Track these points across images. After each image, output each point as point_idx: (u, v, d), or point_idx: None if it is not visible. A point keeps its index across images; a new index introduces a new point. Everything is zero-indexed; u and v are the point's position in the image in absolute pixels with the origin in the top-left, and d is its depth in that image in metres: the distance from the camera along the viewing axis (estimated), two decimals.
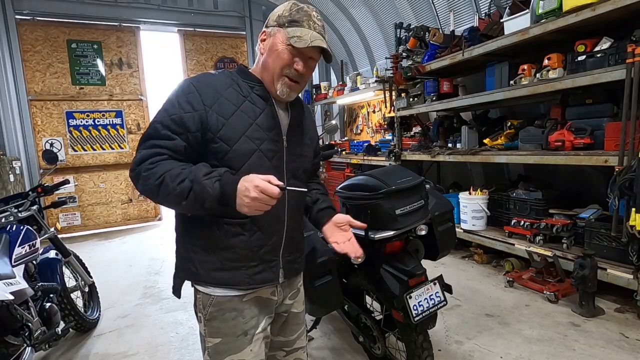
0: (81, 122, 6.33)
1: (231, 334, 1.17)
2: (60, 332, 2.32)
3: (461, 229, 3.95)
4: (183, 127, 1.06)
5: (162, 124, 1.07)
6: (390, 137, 5.18)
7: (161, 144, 1.05)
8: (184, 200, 1.01)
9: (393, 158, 4.78)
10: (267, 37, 1.18)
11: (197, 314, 1.22)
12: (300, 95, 1.33)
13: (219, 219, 1.12)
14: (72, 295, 2.76)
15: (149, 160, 1.03)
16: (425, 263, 1.89)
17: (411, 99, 4.51)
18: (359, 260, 1.80)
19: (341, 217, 1.34)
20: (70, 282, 2.87)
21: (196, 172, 1.02)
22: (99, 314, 3.11)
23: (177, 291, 1.23)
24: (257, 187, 0.96)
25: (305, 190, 1.18)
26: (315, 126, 1.47)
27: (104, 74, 6.41)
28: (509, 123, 3.78)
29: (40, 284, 2.35)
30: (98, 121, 6.44)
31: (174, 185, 1.00)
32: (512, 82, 3.33)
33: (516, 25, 3.12)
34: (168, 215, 7.41)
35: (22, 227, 2.33)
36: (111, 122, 6.54)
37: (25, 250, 2.26)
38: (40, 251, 2.52)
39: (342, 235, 1.31)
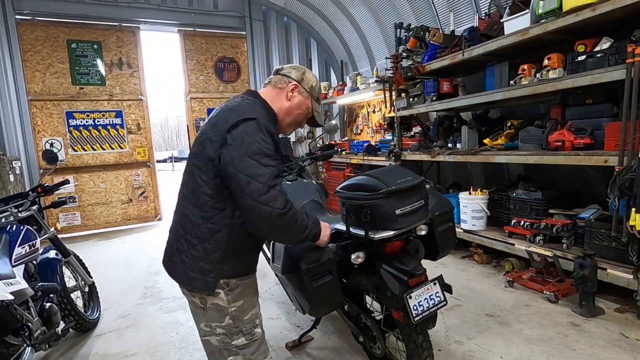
0: (81, 122, 6.33)
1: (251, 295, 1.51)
2: (60, 332, 2.32)
3: (461, 229, 3.95)
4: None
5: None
6: (390, 137, 5.18)
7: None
8: (308, 231, 1.43)
9: (393, 158, 4.78)
10: (300, 93, 1.56)
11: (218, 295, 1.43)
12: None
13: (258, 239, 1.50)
14: (72, 295, 2.76)
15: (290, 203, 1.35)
16: (425, 263, 1.89)
17: (411, 99, 4.51)
18: (359, 260, 1.80)
19: None
20: (70, 282, 2.87)
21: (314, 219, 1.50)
22: (99, 314, 3.11)
23: (213, 289, 1.41)
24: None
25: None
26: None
27: (104, 74, 6.41)
28: (509, 123, 3.78)
29: (40, 284, 2.35)
30: (98, 121, 6.44)
31: (308, 226, 1.44)
32: (512, 82, 3.33)
33: (516, 25, 3.12)
34: (168, 215, 7.42)
35: (22, 227, 2.33)
36: (111, 122, 6.54)
37: (25, 250, 2.26)
38: (40, 251, 2.52)
39: None
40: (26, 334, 2.07)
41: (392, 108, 4.79)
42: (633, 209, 2.40)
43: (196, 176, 1.40)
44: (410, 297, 1.65)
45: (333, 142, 6.90)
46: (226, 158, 1.30)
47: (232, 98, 1.54)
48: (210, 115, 1.52)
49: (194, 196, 1.41)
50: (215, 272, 1.39)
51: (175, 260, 1.45)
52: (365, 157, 5.54)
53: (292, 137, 7.56)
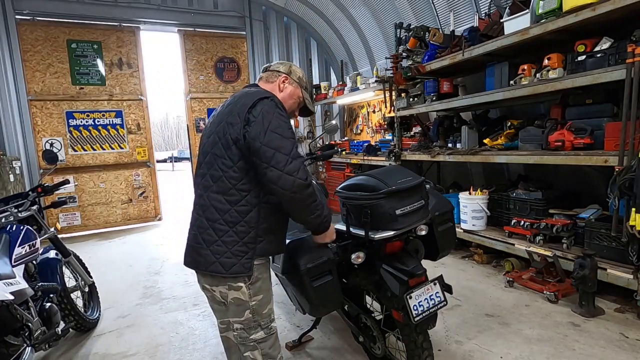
0: (81, 122, 6.33)
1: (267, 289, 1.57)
2: (60, 332, 2.32)
3: (461, 229, 3.95)
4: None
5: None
6: (390, 137, 5.18)
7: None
8: (324, 214, 1.52)
9: (393, 158, 4.78)
10: (290, 85, 1.68)
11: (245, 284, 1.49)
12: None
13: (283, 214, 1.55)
14: (72, 295, 2.76)
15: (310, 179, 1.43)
16: (425, 263, 1.89)
17: (411, 99, 4.51)
18: (359, 260, 1.80)
19: None
20: (70, 282, 2.87)
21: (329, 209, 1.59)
22: (99, 314, 3.11)
23: (250, 269, 1.47)
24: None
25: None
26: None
27: (104, 74, 6.41)
28: (509, 123, 3.78)
29: (40, 284, 2.35)
30: (98, 121, 6.44)
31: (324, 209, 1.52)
32: (512, 82, 3.33)
33: (516, 25, 3.12)
34: (168, 215, 7.42)
35: (22, 227, 2.33)
36: (111, 122, 6.54)
37: (25, 250, 2.26)
38: (40, 251, 2.52)
39: None
40: (26, 334, 2.07)
41: (392, 108, 4.79)
42: (633, 209, 2.40)
43: (219, 164, 1.45)
44: (410, 297, 1.65)
45: (333, 142, 6.90)
46: (251, 134, 1.37)
47: (235, 94, 1.60)
48: (216, 111, 1.60)
49: (217, 184, 1.45)
50: (250, 252, 1.46)
51: (205, 253, 1.47)
52: (365, 157, 5.54)
53: None
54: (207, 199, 1.48)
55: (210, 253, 1.46)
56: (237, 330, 1.50)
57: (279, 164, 1.35)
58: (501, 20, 3.33)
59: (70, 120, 6.25)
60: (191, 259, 1.54)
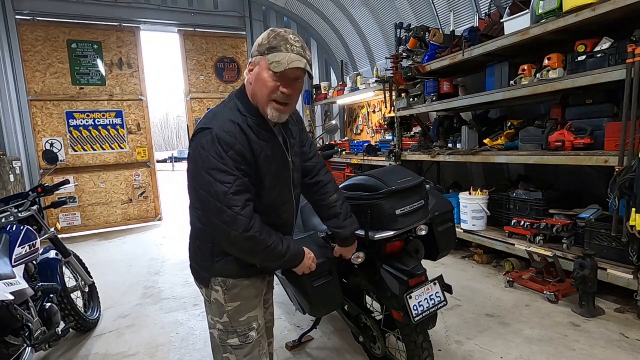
0: (81, 122, 6.33)
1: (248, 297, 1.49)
2: (60, 332, 2.33)
3: (461, 229, 3.95)
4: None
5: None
6: (390, 137, 5.18)
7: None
8: (283, 258, 1.37)
9: (393, 158, 4.78)
10: (253, 66, 1.30)
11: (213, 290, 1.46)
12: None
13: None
14: (72, 295, 2.76)
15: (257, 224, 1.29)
16: (425, 263, 1.89)
17: (411, 99, 4.51)
18: (359, 260, 1.80)
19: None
20: (70, 282, 2.87)
21: (291, 244, 1.41)
22: (99, 314, 3.11)
23: (207, 284, 1.47)
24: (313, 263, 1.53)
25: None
26: (303, 125, 1.64)
27: (104, 74, 6.41)
28: (509, 123, 3.78)
29: (40, 284, 2.35)
30: (98, 121, 6.44)
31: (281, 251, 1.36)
32: (512, 82, 3.33)
33: (516, 25, 3.12)
34: (168, 215, 7.42)
35: (22, 227, 2.33)
36: (111, 122, 6.54)
37: (25, 250, 2.26)
38: (40, 251, 2.52)
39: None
40: (26, 334, 2.08)
41: (392, 108, 4.79)
42: (633, 209, 2.40)
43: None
44: (410, 297, 1.65)
45: (333, 142, 6.90)
46: (189, 172, 1.31)
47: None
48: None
49: (190, 198, 1.44)
50: (207, 269, 1.44)
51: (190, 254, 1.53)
52: (365, 157, 5.54)
53: None
54: (190, 206, 1.47)
55: (190, 257, 1.53)
56: (218, 331, 1.49)
57: (212, 212, 1.25)
58: (501, 20, 3.33)
59: (70, 120, 6.24)
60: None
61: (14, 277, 2.02)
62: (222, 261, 1.41)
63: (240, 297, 1.46)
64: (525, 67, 3.19)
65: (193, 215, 1.45)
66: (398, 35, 4.75)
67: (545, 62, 3.00)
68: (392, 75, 4.61)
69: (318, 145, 4.23)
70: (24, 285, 2.06)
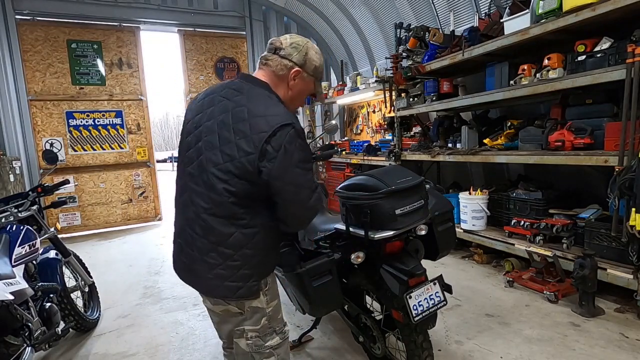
0: (81, 122, 6.33)
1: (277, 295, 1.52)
2: (60, 332, 2.33)
3: (461, 229, 3.95)
4: None
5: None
6: (390, 137, 5.18)
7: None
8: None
9: (393, 158, 4.78)
10: (301, 80, 1.43)
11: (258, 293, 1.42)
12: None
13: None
14: (72, 295, 2.76)
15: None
16: (425, 263, 1.89)
17: (411, 99, 4.51)
18: (359, 260, 1.80)
19: None
20: (70, 282, 2.87)
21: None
22: (99, 314, 3.11)
23: (258, 292, 1.40)
24: None
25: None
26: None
27: (104, 74, 6.41)
28: (509, 123, 3.78)
29: (40, 284, 2.35)
30: (98, 121, 6.44)
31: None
32: (512, 82, 3.33)
33: (516, 25, 3.11)
34: (168, 215, 7.42)
35: (22, 227, 2.33)
36: (111, 122, 6.54)
37: (25, 250, 2.26)
38: (40, 251, 2.52)
39: None
40: (26, 334, 2.07)
41: (392, 108, 4.79)
42: (633, 209, 2.40)
43: (219, 187, 1.28)
44: (410, 297, 1.65)
45: (333, 142, 6.90)
46: (272, 173, 1.23)
47: (227, 83, 1.43)
48: (203, 102, 1.41)
49: (220, 208, 1.30)
50: (256, 275, 1.38)
51: (208, 276, 1.35)
52: (365, 157, 5.54)
53: None
54: (208, 221, 1.32)
55: (214, 277, 1.34)
56: (252, 339, 1.42)
57: (303, 201, 1.32)
58: (501, 20, 3.33)
59: (70, 120, 6.25)
60: (190, 279, 1.45)
61: (14, 277, 2.02)
62: (270, 258, 1.44)
63: (275, 294, 1.48)
64: (525, 67, 3.19)
65: (236, 224, 1.31)
66: (398, 35, 4.75)
67: (545, 62, 3.00)
68: (392, 75, 4.61)
69: (318, 145, 4.23)
70: (24, 285, 2.06)
